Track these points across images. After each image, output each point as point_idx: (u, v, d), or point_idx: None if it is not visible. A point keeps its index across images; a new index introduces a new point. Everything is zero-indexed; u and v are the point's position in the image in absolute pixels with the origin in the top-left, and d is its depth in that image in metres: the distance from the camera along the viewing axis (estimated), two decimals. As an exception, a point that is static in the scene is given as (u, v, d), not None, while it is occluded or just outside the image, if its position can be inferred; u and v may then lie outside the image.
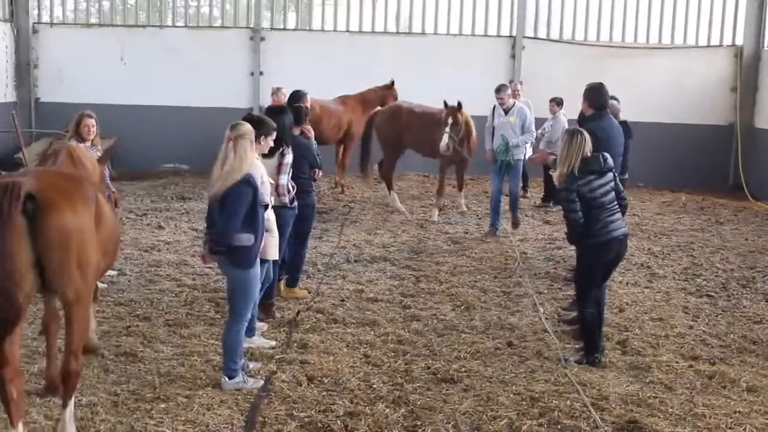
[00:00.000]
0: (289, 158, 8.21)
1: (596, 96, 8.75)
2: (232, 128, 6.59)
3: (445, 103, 13.39)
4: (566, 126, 14.65)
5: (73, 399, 5.66)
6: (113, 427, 5.90)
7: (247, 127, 6.66)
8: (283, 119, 8.25)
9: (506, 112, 13.06)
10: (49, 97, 19.30)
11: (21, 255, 4.96)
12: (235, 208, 6.43)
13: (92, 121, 9.22)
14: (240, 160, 6.46)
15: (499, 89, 13.23)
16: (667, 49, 19.32)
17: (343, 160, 16.70)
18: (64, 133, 17.98)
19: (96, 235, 5.48)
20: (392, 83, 16.52)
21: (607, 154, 7.57)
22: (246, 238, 6.56)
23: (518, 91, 16.67)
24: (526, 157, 13.70)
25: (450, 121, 13.33)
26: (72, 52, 19.22)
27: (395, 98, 16.28)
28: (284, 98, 14.67)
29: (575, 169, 7.31)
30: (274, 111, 8.50)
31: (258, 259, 6.83)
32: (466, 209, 15.12)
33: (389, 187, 15.16)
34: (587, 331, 7.63)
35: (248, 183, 6.50)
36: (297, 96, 10.72)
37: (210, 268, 10.42)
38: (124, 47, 19.18)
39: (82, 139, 9.04)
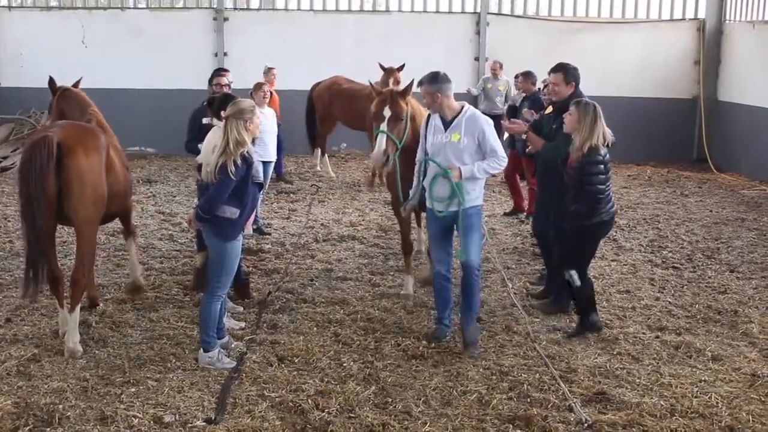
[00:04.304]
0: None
1: (575, 73, 8.59)
2: (231, 105, 6.58)
3: (382, 66, 9.78)
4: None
5: (78, 307, 7.10)
6: (83, 413, 5.87)
7: (244, 105, 6.58)
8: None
9: (447, 125, 7.18)
10: (10, 82, 19.05)
11: (51, 189, 6.77)
12: (226, 181, 6.41)
13: None
14: (233, 141, 6.39)
15: (431, 79, 7.16)
16: (631, 24, 19.39)
17: None
18: (26, 118, 17.89)
19: (104, 175, 7.15)
20: (382, 67, 14.50)
21: None
22: (231, 211, 6.56)
23: (496, 70, 16.72)
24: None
25: (387, 113, 7.60)
26: (32, 36, 18.95)
27: (388, 83, 13.54)
28: (274, 78, 14.69)
29: (606, 141, 7.31)
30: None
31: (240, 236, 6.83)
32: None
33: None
34: (587, 299, 7.72)
35: (243, 158, 6.47)
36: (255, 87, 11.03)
37: (177, 251, 10.42)
38: (85, 30, 18.92)
39: None
